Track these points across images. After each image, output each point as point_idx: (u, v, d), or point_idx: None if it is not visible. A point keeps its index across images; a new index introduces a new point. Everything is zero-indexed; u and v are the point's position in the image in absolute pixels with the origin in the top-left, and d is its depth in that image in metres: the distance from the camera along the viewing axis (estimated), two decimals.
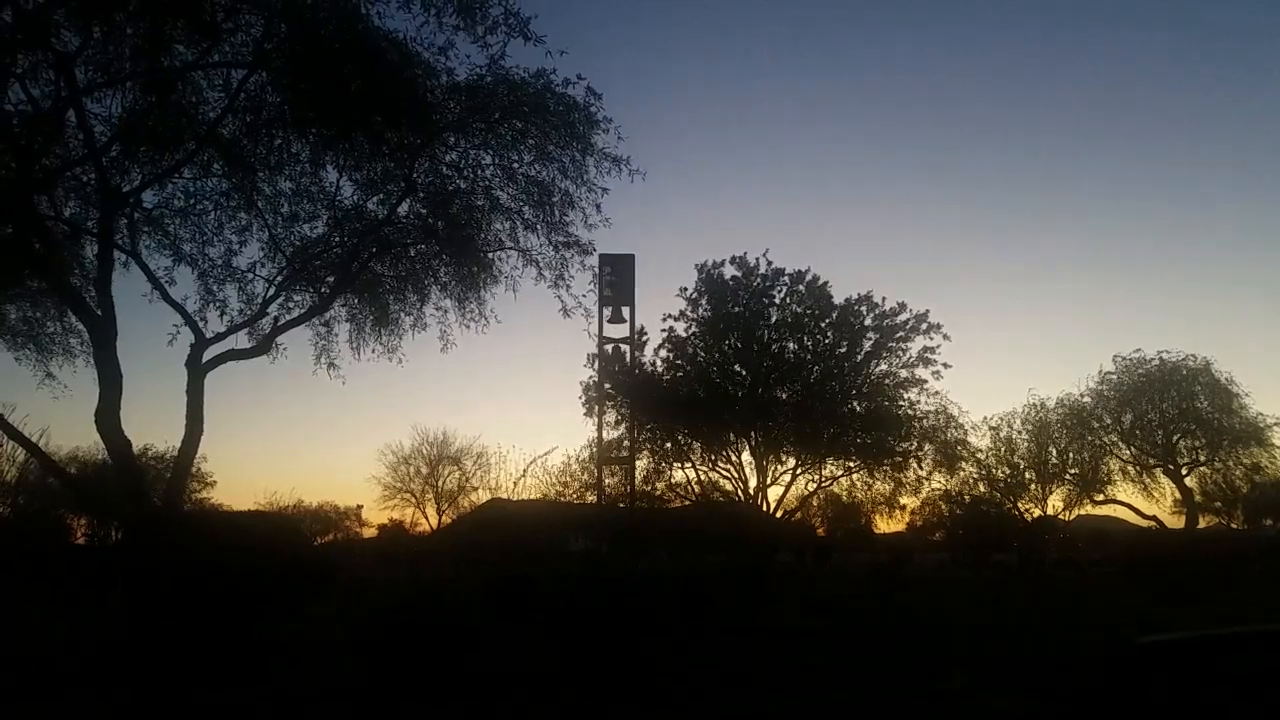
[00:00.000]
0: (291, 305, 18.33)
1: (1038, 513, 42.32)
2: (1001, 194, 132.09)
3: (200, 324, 17.14)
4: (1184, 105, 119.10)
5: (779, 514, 34.01)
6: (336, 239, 18.27)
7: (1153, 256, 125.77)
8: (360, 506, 60.82)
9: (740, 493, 31.82)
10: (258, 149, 16.28)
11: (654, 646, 14.29)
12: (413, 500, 48.71)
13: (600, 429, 30.39)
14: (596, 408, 30.61)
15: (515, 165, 17.26)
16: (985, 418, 42.44)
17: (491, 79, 15.90)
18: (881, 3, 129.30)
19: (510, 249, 18.25)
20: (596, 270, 19.01)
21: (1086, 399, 42.27)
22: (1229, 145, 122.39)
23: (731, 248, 32.24)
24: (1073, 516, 45.71)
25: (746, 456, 31.89)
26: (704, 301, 31.62)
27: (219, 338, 17.09)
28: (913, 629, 18.68)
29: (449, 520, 48.21)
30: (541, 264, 18.25)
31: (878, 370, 31.18)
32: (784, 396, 31.20)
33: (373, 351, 19.12)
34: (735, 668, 13.11)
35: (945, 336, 30.96)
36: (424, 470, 47.96)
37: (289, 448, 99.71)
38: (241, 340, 17.70)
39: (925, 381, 31.15)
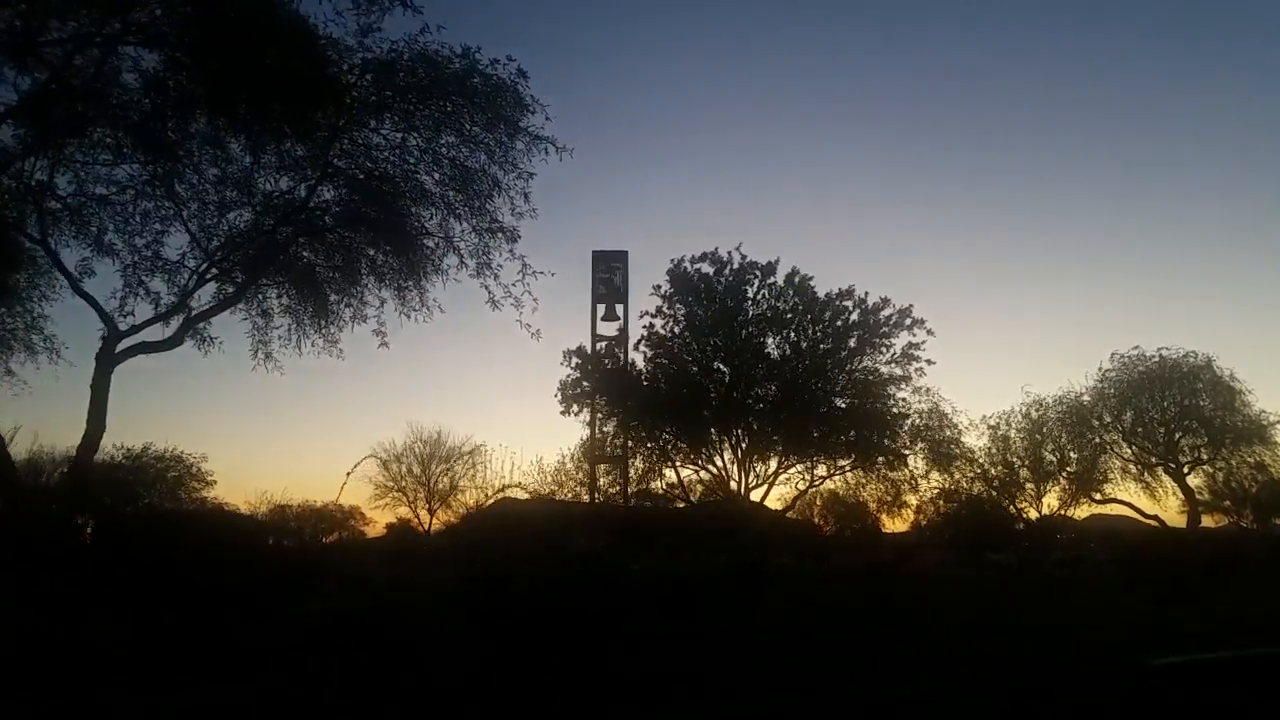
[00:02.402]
0: (224, 296, 17.65)
1: (1033, 513, 41.89)
2: (1001, 191, 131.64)
3: (116, 317, 16.54)
4: (1185, 99, 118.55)
5: (779, 511, 33.82)
6: (252, 225, 17.53)
7: (1153, 253, 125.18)
8: (349, 505, 60.02)
9: (722, 492, 31.50)
10: (166, 131, 15.56)
11: (631, 647, 14.01)
12: (404, 499, 48.27)
13: (593, 427, 30.22)
14: (590, 405, 30.44)
15: (437, 148, 16.68)
16: (984, 415, 42.15)
17: (409, 57, 15.36)
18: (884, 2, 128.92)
19: (431, 234, 17.52)
20: (525, 269, 17.89)
21: (1086, 397, 41.81)
22: (1230, 141, 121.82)
23: (729, 245, 31.77)
24: (1085, 516, 45.32)
25: (730, 456, 31.55)
26: (677, 299, 31.29)
27: (134, 330, 16.54)
28: (900, 628, 18.49)
29: (453, 519, 47.81)
30: (464, 251, 17.57)
31: (861, 366, 30.85)
32: (766, 394, 30.80)
33: (312, 345, 18.43)
34: (696, 669, 12.68)
35: (929, 332, 30.65)
36: (416, 469, 47.49)
37: (292, 446, 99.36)
38: (158, 332, 17.06)
39: (910, 378, 30.85)
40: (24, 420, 35.67)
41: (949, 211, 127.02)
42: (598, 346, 30.53)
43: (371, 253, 17.80)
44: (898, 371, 30.89)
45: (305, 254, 17.92)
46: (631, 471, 31.66)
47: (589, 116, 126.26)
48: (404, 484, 47.28)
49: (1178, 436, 41.16)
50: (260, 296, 17.86)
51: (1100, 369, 42.15)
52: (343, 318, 18.33)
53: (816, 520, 52.12)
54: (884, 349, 30.51)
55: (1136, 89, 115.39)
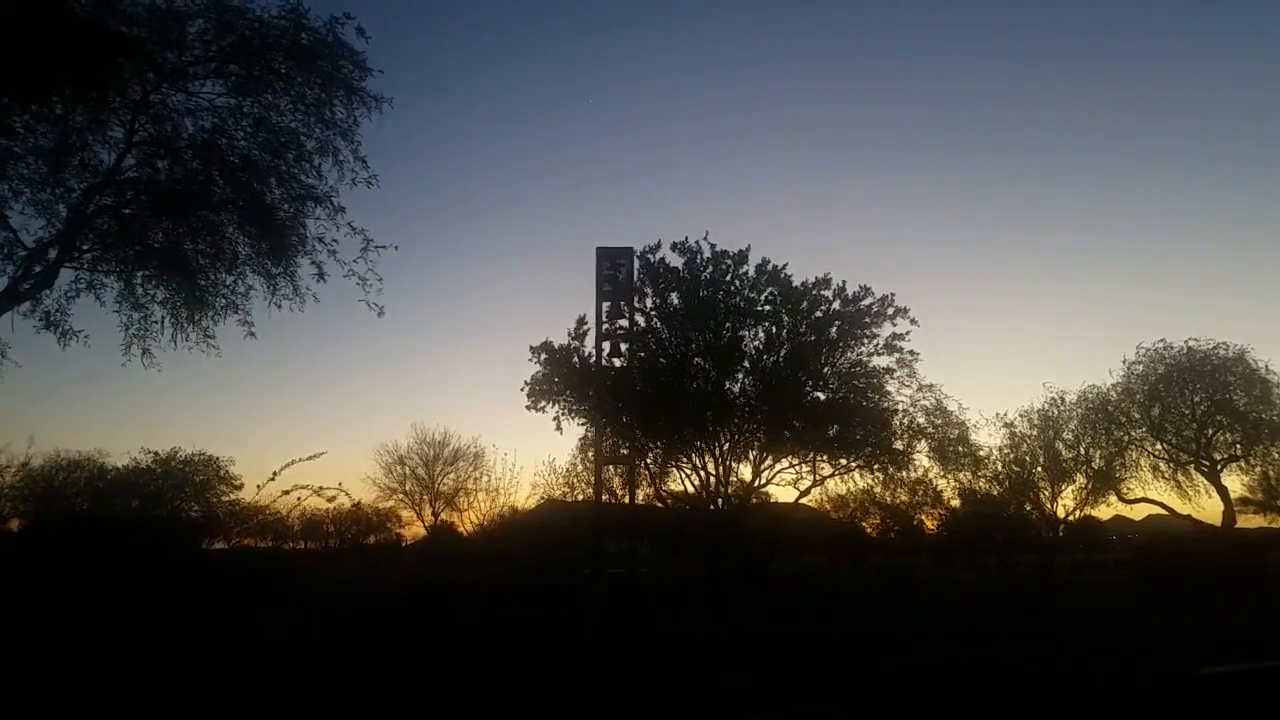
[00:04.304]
0: (32, 284, 15.94)
1: (1050, 511, 40.63)
2: (1007, 191, 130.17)
3: None
4: (1202, 88, 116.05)
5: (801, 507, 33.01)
6: (61, 200, 16.04)
7: (1178, 244, 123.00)
8: (385, 509, 60.14)
9: (706, 494, 30.67)
10: None
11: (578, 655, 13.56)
12: (407, 501, 48.19)
13: (598, 429, 29.79)
14: (557, 402, 30.08)
15: (255, 111, 15.82)
16: (999, 413, 40.74)
17: (218, 11, 14.69)
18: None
19: (267, 211, 16.29)
20: (368, 244, 16.78)
21: (1112, 392, 39.71)
22: (1242, 133, 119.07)
23: (725, 240, 30.45)
24: (1143, 517, 43.94)
25: (711, 454, 30.60)
26: (648, 290, 30.54)
27: None
28: (895, 630, 18.03)
29: (491, 521, 47.30)
30: (267, 226, 16.34)
31: (844, 359, 29.87)
32: (745, 388, 29.89)
33: (187, 338, 17.07)
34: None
35: (913, 321, 29.48)
36: (420, 471, 47.37)
37: (313, 447, 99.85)
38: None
39: (894, 370, 29.86)
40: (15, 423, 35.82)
41: (956, 211, 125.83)
42: (602, 344, 30.12)
43: (230, 232, 16.67)
44: (883, 364, 29.93)
45: (158, 235, 16.68)
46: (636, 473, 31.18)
47: (590, 117, 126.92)
48: (407, 485, 47.27)
49: (1210, 433, 38.81)
50: (133, 286, 16.83)
51: (1125, 362, 39.77)
52: (215, 308, 17.05)
53: (858, 521, 51.13)
54: (866, 339, 29.56)
55: (1151, 81, 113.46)
